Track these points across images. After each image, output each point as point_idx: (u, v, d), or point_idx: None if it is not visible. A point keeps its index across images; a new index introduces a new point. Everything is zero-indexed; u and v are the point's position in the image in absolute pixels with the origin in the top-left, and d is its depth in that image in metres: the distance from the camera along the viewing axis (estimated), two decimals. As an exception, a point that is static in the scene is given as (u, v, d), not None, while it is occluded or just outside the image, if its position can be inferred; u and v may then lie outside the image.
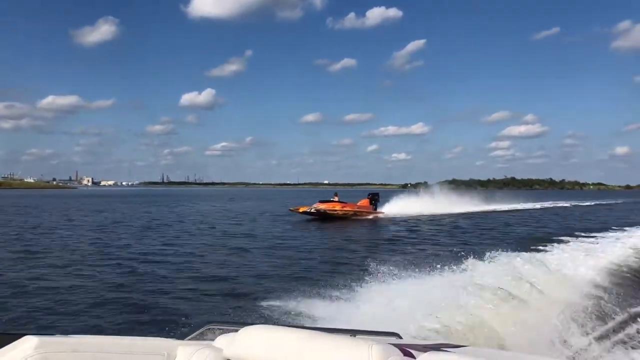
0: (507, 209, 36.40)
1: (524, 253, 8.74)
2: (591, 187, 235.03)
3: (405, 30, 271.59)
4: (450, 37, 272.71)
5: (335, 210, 25.76)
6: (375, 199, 28.43)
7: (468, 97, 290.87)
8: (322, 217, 25.43)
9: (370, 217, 27.31)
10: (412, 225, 23.57)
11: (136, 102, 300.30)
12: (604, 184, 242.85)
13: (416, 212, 29.29)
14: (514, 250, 9.24)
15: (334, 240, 17.13)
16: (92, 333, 1.69)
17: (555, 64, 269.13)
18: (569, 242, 12.67)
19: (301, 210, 25.56)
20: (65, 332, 1.48)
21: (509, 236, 17.50)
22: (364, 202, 27.99)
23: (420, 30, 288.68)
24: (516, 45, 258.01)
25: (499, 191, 38.12)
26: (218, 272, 9.95)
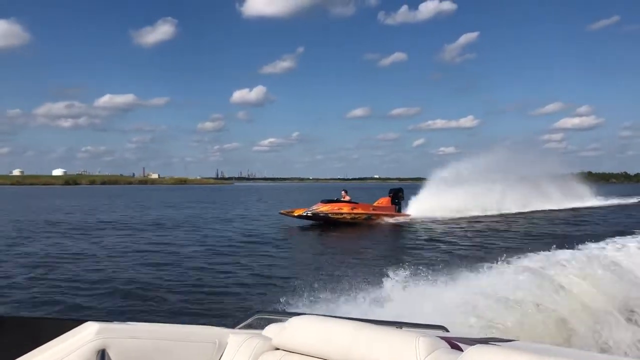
0: (604, 204, 29.04)
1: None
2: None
3: (459, 23, 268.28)
4: (503, 29, 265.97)
5: (342, 214, 19.11)
6: (399, 197, 21.48)
7: (520, 89, 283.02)
8: (325, 223, 18.89)
9: (392, 220, 20.48)
10: (458, 233, 16.92)
11: (190, 99, 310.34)
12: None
13: (457, 210, 22.08)
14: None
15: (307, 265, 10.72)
16: (149, 320, 1.57)
17: (612, 54, 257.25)
18: None
19: (296, 213, 19.07)
20: (124, 319, 1.59)
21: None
22: (383, 200, 21.13)
23: (473, 23, 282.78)
24: (571, 35, 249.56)
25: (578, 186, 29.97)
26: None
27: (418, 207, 22.21)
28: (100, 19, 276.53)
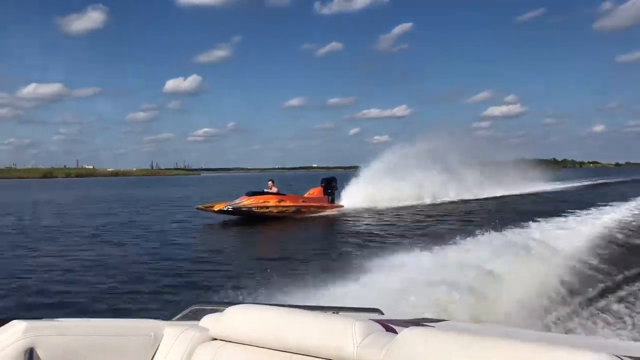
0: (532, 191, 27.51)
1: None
2: (591, 165, 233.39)
3: (393, 13, 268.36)
4: (436, 20, 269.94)
5: (268, 207, 17.17)
6: (332, 187, 19.76)
7: (451, 79, 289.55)
8: (249, 218, 16.90)
9: (325, 212, 18.80)
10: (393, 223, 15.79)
11: (120, 89, 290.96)
12: (599, 162, 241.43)
13: (394, 199, 20.72)
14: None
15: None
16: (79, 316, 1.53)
17: (539, 45, 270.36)
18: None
19: (216, 208, 16.88)
20: (52, 316, 1.48)
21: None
22: (315, 191, 19.35)
23: (408, 13, 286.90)
24: (501, 26, 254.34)
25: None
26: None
27: (352, 198, 20.61)
28: (23, 4, 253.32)
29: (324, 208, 18.83)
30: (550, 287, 5.79)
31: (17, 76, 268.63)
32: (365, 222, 16.74)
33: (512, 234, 8.77)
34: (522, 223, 10.35)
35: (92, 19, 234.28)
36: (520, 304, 5.11)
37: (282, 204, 17.58)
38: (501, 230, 8.87)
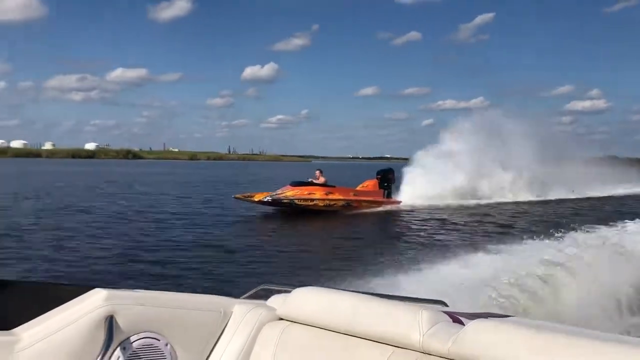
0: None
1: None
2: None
3: (475, 3, 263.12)
4: (519, 10, 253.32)
5: (313, 200, 15.47)
6: (389, 179, 17.57)
7: (531, 72, 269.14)
8: (293, 210, 15.36)
9: (380, 208, 16.76)
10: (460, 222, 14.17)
11: (201, 76, 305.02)
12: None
13: (461, 195, 18.16)
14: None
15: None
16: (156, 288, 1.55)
17: (627, 38, 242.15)
18: None
19: (256, 198, 15.49)
20: (131, 286, 1.60)
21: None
22: (369, 184, 17.32)
23: (490, 3, 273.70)
24: (588, 18, 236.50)
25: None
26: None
27: (413, 192, 18.27)
28: None
29: (378, 203, 16.78)
30: (623, 293, 5.45)
31: (107, 60, 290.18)
32: (422, 219, 15.15)
33: (590, 235, 8.19)
34: (604, 225, 9.84)
35: (178, 6, 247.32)
36: (588, 307, 4.93)
37: (330, 196, 15.79)
38: (578, 230, 8.22)
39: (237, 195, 15.90)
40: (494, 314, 1.80)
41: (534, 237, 7.78)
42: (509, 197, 19.50)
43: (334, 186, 16.31)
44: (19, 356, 1.28)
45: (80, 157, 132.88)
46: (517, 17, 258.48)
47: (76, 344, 1.33)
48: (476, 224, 14.27)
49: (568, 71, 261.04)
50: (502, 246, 7.81)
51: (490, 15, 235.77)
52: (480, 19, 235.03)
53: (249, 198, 15.58)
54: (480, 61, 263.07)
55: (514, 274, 5.29)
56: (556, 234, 7.62)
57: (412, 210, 16.72)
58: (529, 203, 19.04)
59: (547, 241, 7.35)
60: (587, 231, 8.39)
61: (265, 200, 15.21)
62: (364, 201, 16.44)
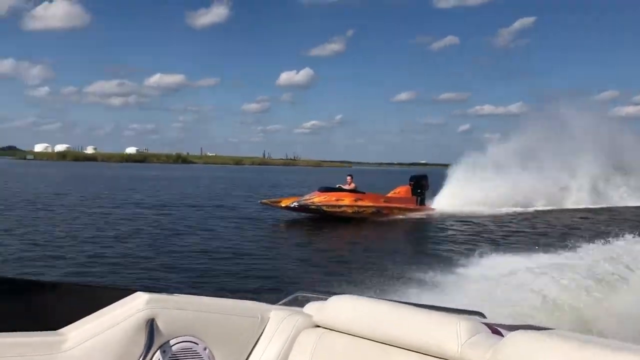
0: None
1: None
2: None
3: (515, 6, 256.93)
4: (561, 14, 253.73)
5: (341, 207, 14.99)
6: (422, 185, 16.85)
7: (573, 77, 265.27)
8: (321, 217, 14.95)
9: (413, 215, 16.07)
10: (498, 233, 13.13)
11: (237, 81, 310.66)
12: None
13: (500, 204, 17.14)
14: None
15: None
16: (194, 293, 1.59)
17: None
18: None
19: (283, 204, 15.18)
20: (171, 290, 1.57)
21: None
22: (401, 190, 16.65)
23: (531, 7, 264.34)
24: (629, 22, 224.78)
25: None
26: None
27: (448, 200, 17.42)
28: (159, 1, 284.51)
29: (410, 210, 16.10)
30: None
31: (145, 66, 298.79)
32: (455, 228, 14.40)
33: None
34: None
35: (216, 13, 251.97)
36: (631, 320, 4.64)
37: (359, 203, 15.27)
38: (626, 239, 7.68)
39: (264, 201, 15.65)
40: (533, 326, 1.75)
41: (576, 248, 7.38)
42: (562, 204, 18.27)
43: (364, 192, 15.77)
44: (65, 356, 1.30)
45: (132, 161, 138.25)
46: (559, 22, 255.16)
47: (119, 345, 1.36)
48: (516, 233, 13.46)
49: (610, 76, 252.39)
50: (542, 253, 7.50)
51: (531, 19, 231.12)
52: (520, 23, 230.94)
53: (275, 204, 15.29)
54: (520, 66, 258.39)
55: (552, 283, 5.13)
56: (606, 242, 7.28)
57: (446, 218, 15.91)
58: (585, 210, 17.79)
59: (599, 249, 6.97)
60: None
61: (292, 206, 14.87)
62: (395, 208, 15.80)
